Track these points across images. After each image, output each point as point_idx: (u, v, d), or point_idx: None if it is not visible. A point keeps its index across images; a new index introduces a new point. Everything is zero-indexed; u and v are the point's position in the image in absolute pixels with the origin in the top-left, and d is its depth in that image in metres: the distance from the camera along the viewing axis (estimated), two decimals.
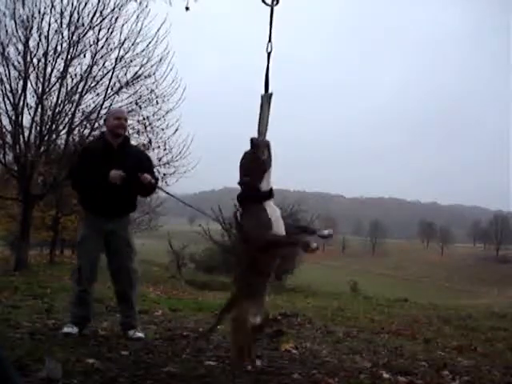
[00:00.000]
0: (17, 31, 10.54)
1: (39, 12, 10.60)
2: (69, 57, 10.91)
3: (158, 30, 11.05)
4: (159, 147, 11.54)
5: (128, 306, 3.69)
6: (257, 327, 2.66)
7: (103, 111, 11.31)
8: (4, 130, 10.90)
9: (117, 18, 10.99)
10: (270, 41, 2.92)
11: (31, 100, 11.02)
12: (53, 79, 11.01)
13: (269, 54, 2.91)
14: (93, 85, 11.21)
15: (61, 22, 10.72)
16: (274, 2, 2.96)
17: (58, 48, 10.84)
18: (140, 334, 3.59)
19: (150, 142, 11.51)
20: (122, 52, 11.10)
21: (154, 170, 13.05)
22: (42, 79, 10.86)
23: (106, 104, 11.28)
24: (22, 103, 10.83)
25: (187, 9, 3.80)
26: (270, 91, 2.92)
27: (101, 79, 11.21)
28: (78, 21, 10.79)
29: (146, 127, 11.44)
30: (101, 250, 3.72)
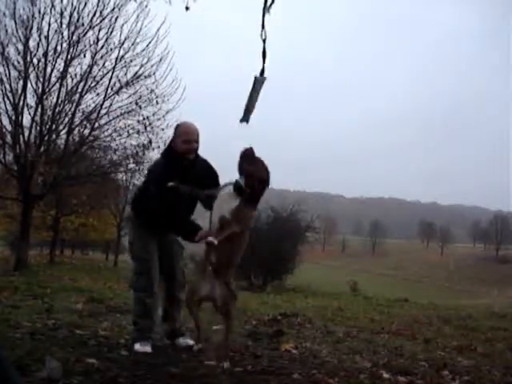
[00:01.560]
0: (17, 31, 10.58)
1: (39, 12, 10.64)
2: (69, 57, 10.94)
3: (157, 30, 11.11)
4: (159, 147, 11.55)
5: (178, 312, 3.46)
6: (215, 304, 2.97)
7: (103, 111, 11.35)
8: (4, 129, 10.91)
9: (117, 17, 11.05)
10: (263, 28, 2.93)
11: (31, 100, 11.08)
12: (53, 79, 11.05)
13: (264, 41, 2.93)
14: (93, 85, 11.23)
15: (61, 22, 10.76)
16: None
17: (58, 48, 10.89)
18: (191, 342, 3.35)
19: (150, 142, 11.53)
20: (122, 52, 11.16)
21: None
22: (42, 79, 10.88)
23: (106, 104, 11.33)
24: (22, 103, 10.86)
25: (187, 8, 3.78)
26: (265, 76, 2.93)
27: (101, 79, 11.24)
28: (77, 21, 10.82)
29: (146, 127, 11.46)
30: (156, 251, 3.40)
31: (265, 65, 2.86)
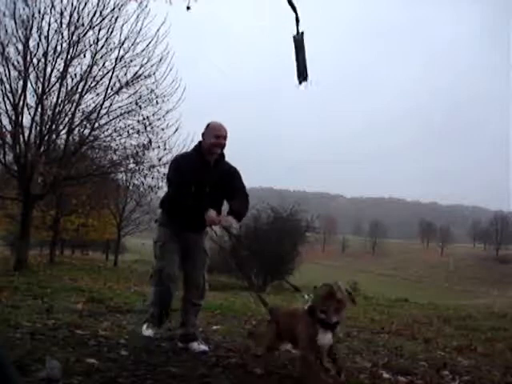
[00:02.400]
0: (17, 31, 10.55)
1: (39, 12, 10.61)
2: (69, 57, 10.91)
3: (157, 30, 11.08)
4: (159, 147, 11.55)
5: (194, 316, 3.55)
6: None
7: (103, 111, 11.34)
8: (4, 129, 10.90)
9: (117, 17, 11.01)
10: None
11: (31, 100, 11.04)
12: (53, 79, 11.01)
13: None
14: (93, 85, 11.21)
15: (61, 22, 10.73)
16: None
17: (58, 48, 10.85)
18: (205, 347, 3.41)
19: (150, 141, 11.51)
20: (121, 52, 11.12)
21: (154, 170, 12.87)
22: (41, 79, 10.86)
23: (106, 104, 11.31)
24: (21, 103, 10.83)
25: (188, 8, 3.78)
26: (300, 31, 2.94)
27: (101, 79, 11.22)
28: (77, 21, 10.79)
29: (146, 127, 11.44)
30: (179, 257, 3.53)
31: (298, 20, 2.85)
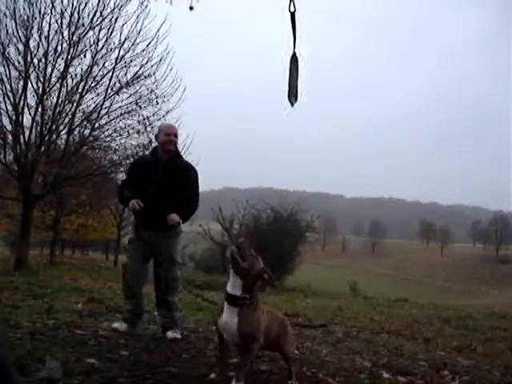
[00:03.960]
0: (17, 31, 10.55)
1: (39, 12, 10.60)
2: (69, 57, 10.91)
3: (158, 30, 11.07)
4: None
5: (166, 310, 3.78)
6: None
7: (103, 111, 11.33)
8: (4, 129, 10.90)
9: (117, 18, 11.00)
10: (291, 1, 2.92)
11: (31, 100, 11.03)
12: (53, 79, 11.01)
13: (292, 14, 2.89)
14: (93, 85, 11.20)
15: (61, 23, 10.72)
16: None
17: (59, 48, 10.84)
18: (176, 335, 3.67)
19: (150, 142, 11.50)
20: (122, 52, 11.10)
21: None
22: (42, 79, 10.86)
23: (106, 104, 11.30)
24: (22, 103, 10.83)
25: (191, 8, 3.76)
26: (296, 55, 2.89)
27: (101, 79, 11.21)
28: (78, 21, 10.78)
29: (146, 127, 11.43)
30: (145, 255, 3.79)
31: (295, 40, 2.78)
